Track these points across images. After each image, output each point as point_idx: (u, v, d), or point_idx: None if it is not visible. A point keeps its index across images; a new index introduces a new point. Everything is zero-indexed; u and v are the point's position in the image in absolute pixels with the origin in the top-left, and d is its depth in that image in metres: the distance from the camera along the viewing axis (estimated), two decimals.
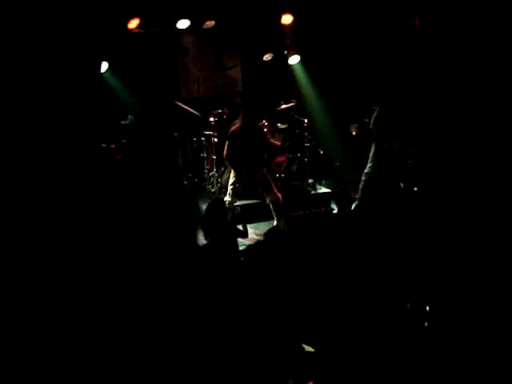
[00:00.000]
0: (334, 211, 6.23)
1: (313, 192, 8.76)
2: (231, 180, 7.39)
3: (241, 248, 6.39)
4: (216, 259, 4.97)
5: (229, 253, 5.18)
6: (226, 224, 5.45)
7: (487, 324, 4.09)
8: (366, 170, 8.22)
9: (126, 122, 8.74)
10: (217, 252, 5.07)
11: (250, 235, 7.07)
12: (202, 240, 5.51)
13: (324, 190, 8.92)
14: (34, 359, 4.19)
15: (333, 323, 4.31)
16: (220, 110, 8.86)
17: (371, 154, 8.17)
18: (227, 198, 7.39)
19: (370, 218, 5.70)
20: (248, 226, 7.73)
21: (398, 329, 4.09)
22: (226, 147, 7.30)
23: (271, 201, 7.32)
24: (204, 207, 8.27)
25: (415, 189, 7.27)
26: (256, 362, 4.10)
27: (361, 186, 8.13)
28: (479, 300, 4.34)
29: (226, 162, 7.60)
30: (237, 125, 7.33)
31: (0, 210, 6.23)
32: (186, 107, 8.86)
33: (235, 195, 7.35)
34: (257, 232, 7.54)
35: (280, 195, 7.38)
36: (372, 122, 8.15)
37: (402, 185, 6.39)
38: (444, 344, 3.98)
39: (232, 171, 7.40)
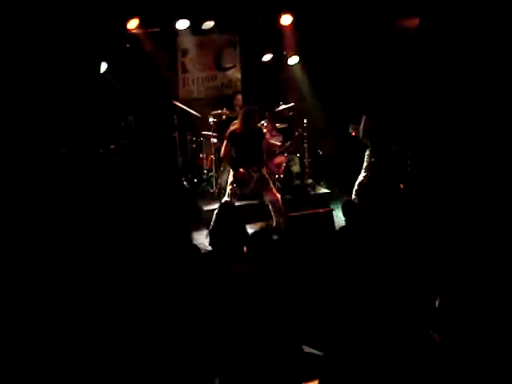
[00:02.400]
0: (334, 212, 6.20)
1: (312, 192, 8.75)
2: (230, 180, 7.39)
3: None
4: (223, 265, 4.93)
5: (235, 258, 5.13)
6: (238, 230, 5.37)
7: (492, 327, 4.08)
8: (359, 179, 7.94)
9: (126, 123, 8.72)
10: (225, 259, 5.02)
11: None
12: (205, 245, 5.48)
13: (323, 190, 8.92)
14: (34, 359, 4.18)
15: (334, 325, 4.29)
16: (219, 111, 8.86)
17: (365, 164, 7.94)
18: (226, 199, 7.38)
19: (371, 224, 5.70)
20: (247, 227, 7.71)
21: (401, 329, 4.07)
22: (224, 147, 7.29)
23: (270, 201, 7.31)
24: (204, 208, 8.33)
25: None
26: (255, 363, 4.09)
27: (354, 192, 7.98)
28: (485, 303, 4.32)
29: (224, 162, 7.55)
30: (236, 125, 7.32)
31: None
32: (185, 107, 8.86)
33: (234, 196, 7.34)
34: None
35: (279, 196, 7.38)
36: (362, 131, 7.85)
37: (401, 186, 6.37)
38: (448, 344, 3.96)
39: (231, 171, 7.40)
